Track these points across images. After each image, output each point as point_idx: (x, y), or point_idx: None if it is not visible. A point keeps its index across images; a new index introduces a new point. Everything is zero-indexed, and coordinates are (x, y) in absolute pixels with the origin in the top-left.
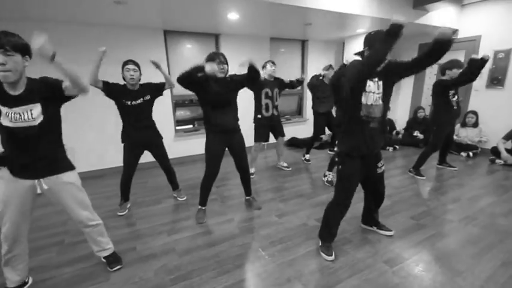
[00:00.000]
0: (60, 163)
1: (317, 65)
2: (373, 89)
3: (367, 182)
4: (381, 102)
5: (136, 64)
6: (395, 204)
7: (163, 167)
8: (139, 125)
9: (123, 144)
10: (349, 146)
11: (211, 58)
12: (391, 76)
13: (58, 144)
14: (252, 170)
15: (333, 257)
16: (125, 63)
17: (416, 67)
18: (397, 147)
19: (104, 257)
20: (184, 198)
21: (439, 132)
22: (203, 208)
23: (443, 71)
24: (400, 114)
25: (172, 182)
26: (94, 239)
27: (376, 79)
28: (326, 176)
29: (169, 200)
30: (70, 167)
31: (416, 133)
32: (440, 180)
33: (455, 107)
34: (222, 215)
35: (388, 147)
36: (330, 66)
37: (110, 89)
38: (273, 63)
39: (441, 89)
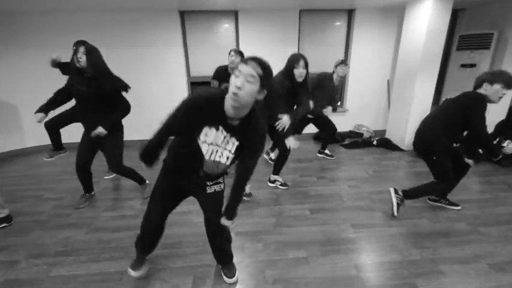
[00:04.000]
0: None
1: (367, 44)
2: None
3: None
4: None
5: None
6: (358, 241)
7: None
8: None
9: None
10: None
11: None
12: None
13: None
14: None
15: (137, 274)
16: None
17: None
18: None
19: None
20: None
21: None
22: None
23: (480, 83)
24: (492, 114)
25: None
26: None
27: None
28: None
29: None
30: None
31: (507, 143)
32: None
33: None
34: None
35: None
36: (343, 62)
37: None
38: (237, 53)
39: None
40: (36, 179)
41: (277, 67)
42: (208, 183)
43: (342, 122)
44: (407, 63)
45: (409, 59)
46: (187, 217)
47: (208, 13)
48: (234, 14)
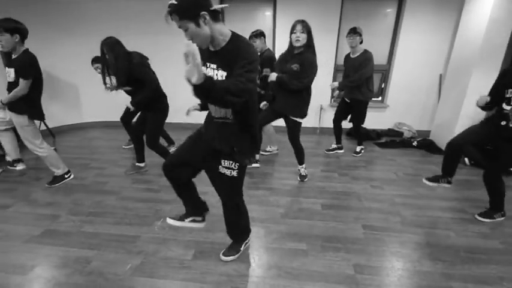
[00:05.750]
0: (13, 106)
1: (418, 34)
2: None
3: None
4: None
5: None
6: (365, 242)
7: None
8: None
9: None
10: None
11: None
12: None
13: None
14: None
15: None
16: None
17: None
18: None
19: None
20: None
21: None
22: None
23: None
24: None
25: None
26: (46, 164)
27: (215, 66)
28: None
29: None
30: (17, 110)
31: None
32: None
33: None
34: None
35: None
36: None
37: None
38: (256, 36)
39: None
40: (86, 149)
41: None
42: (222, 163)
43: (380, 119)
44: (463, 55)
45: (465, 51)
46: (203, 197)
47: (247, 2)
48: (273, 2)
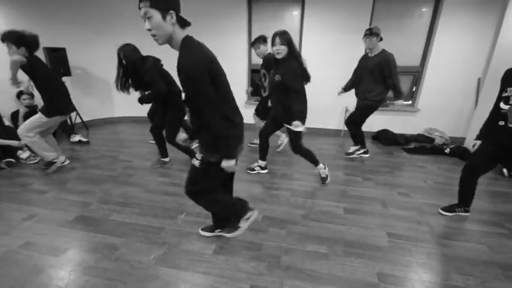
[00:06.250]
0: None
1: (455, 34)
2: None
3: None
4: None
5: None
6: (389, 250)
7: None
8: None
9: None
10: None
11: None
12: None
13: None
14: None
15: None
16: None
17: None
18: None
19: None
20: None
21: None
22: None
23: None
24: None
25: None
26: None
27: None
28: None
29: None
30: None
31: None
32: None
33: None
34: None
35: None
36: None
37: None
38: (264, 40)
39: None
40: (116, 143)
41: (341, 54)
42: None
43: (409, 123)
44: (506, 59)
45: (508, 51)
46: None
47: (276, 2)
48: (301, 2)
